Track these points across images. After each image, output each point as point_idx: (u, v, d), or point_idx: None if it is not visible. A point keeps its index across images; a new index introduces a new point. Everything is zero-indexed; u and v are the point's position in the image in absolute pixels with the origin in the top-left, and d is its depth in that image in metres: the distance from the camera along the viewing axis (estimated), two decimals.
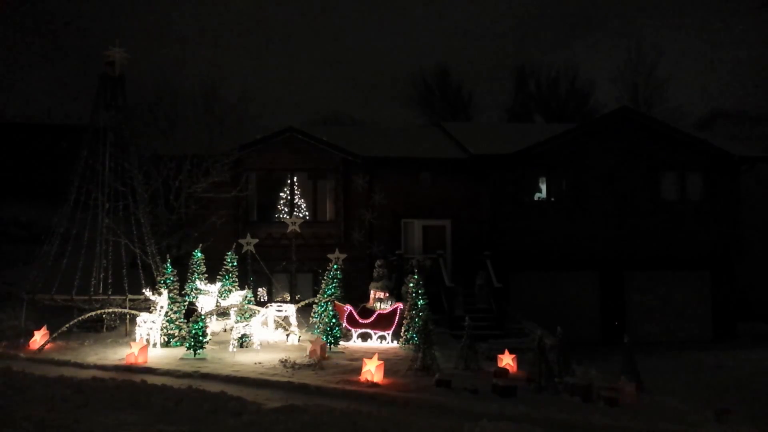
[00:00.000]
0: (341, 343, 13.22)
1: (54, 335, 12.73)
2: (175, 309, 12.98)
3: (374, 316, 14.06)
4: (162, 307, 12.70)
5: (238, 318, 13.33)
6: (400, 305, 14.17)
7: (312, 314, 14.90)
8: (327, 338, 12.65)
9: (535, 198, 19.30)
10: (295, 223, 16.79)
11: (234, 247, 15.90)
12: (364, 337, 13.98)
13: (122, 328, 14.38)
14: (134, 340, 12.40)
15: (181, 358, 11.60)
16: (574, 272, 19.21)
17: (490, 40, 57.91)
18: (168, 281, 13.08)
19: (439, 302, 15.72)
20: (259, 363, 11.26)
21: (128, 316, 14.24)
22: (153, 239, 15.55)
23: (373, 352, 10.97)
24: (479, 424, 7.87)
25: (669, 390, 10.93)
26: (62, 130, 24.35)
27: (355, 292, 16.19)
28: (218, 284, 15.06)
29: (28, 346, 12.65)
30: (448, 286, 15.98)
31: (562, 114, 38.06)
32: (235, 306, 13.81)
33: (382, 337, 13.89)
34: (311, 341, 12.25)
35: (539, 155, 18.76)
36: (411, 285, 13.72)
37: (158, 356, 11.73)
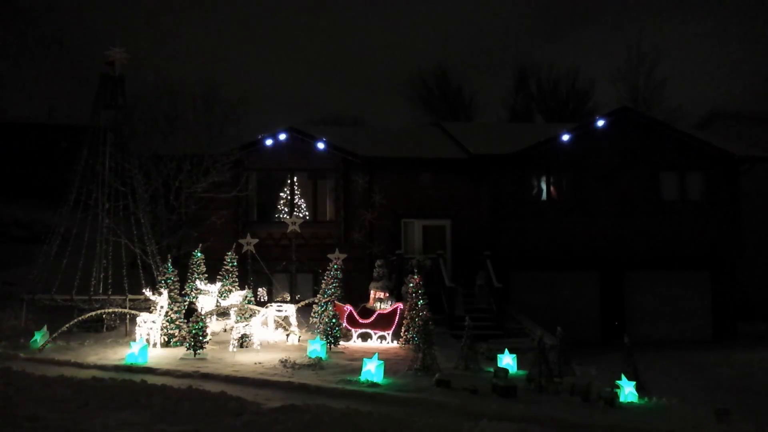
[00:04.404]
0: (341, 343, 13.23)
1: (54, 335, 12.73)
2: (175, 309, 12.98)
3: (374, 316, 14.06)
4: (162, 307, 12.70)
5: (238, 318, 13.33)
6: (400, 305, 14.16)
7: (312, 314, 14.90)
8: (327, 338, 12.65)
9: (537, 193, 19.23)
10: (295, 223, 16.80)
11: (234, 247, 15.90)
12: (364, 337, 13.98)
13: (122, 328, 14.37)
14: (134, 340, 12.40)
15: (181, 358, 11.59)
16: (575, 272, 19.19)
17: (491, 40, 57.97)
18: (168, 281, 13.08)
19: (439, 302, 15.70)
20: (259, 363, 11.25)
21: (128, 316, 14.23)
22: (153, 239, 15.55)
23: (373, 352, 10.96)
24: (479, 424, 7.86)
25: (669, 390, 10.92)
26: (62, 130, 24.35)
27: (355, 292, 16.19)
28: (218, 284, 15.06)
29: (28, 346, 12.66)
30: (448, 286, 15.97)
31: (562, 114, 38.08)
32: (235, 306, 13.81)
33: (382, 337, 13.88)
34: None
35: (539, 155, 18.76)
36: (411, 285, 13.71)
37: (158, 356, 11.72)
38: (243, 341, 12.67)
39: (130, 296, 14.26)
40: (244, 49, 59.70)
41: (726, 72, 50.06)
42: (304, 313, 14.99)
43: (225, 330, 14.02)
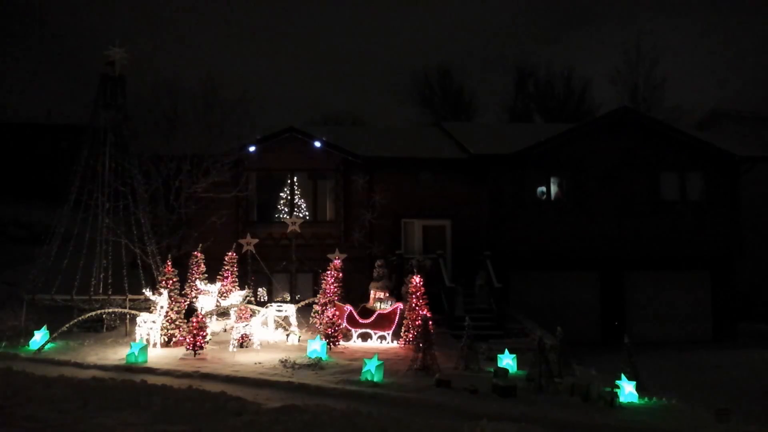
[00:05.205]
0: (341, 343, 13.22)
1: (54, 335, 12.73)
2: (175, 309, 12.98)
3: (374, 316, 14.06)
4: (162, 307, 12.70)
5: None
6: (400, 305, 14.16)
7: (312, 314, 14.89)
8: (327, 338, 12.65)
9: (537, 193, 19.25)
10: (295, 223, 16.80)
11: (234, 247, 15.90)
12: (364, 337, 13.98)
13: (122, 328, 14.38)
14: (134, 340, 12.40)
15: (181, 358, 11.60)
16: (574, 272, 19.20)
17: (492, 41, 57.98)
18: (168, 280, 13.07)
19: (439, 302, 15.71)
20: (259, 363, 11.26)
21: (128, 316, 14.24)
22: (153, 239, 15.55)
23: (373, 352, 10.97)
24: (479, 424, 7.86)
25: (669, 390, 10.91)
26: (62, 130, 24.39)
27: (355, 292, 16.18)
28: (218, 284, 15.05)
29: (28, 346, 12.65)
30: (448, 286, 15.97)
31: (561, 114, 38.08)
32: (235, 306, 13.81)
33: (382, 337, 13.88)
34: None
35: (539, 155, 18.75)
36: (411, 285, 13.71)
37: (158, 356, 11.73)
38: (243, 341, 12.68)
39: (130, 296, 14.26)
40: (245, 48, 59.74)
41: (726, 71, 50.05)
42: (304, 313, 14.99)
43: (225, 330, 14.03)
